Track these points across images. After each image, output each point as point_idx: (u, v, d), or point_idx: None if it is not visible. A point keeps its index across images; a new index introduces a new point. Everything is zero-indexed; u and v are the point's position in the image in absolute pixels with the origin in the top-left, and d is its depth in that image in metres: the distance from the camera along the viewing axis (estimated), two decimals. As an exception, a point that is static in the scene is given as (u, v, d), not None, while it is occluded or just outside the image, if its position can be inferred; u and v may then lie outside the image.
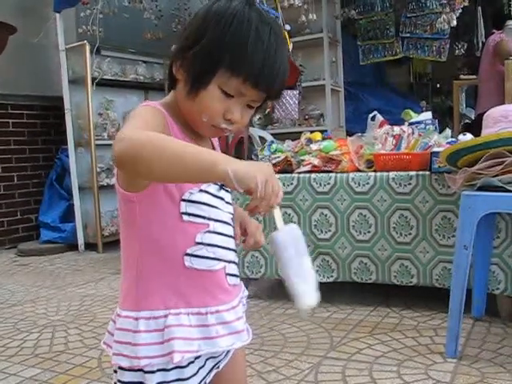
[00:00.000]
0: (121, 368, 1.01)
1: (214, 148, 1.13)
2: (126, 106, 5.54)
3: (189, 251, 1.00)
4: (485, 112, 2.62)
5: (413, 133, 2.97)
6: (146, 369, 0.99)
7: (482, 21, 6.13)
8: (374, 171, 2.85)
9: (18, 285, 3.83)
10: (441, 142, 2.84)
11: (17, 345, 2.63)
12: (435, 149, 2.71)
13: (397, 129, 3.00)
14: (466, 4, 4.78)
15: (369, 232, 2.84)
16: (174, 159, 0.84)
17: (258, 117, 5.34)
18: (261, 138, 4.45)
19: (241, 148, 4.32)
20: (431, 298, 2.90)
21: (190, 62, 0.99)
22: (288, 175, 3.01)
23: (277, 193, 0.86)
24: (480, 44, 6.08)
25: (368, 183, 2.81)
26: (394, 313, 2.82)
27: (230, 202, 1.09)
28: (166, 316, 0.99)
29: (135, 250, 1.02)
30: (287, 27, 4.26)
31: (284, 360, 2.28)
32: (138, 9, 5.43)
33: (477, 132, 2.64)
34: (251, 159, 3.53)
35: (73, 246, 5.04)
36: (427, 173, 2.69)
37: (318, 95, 5.45)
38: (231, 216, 1.09)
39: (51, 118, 5.65)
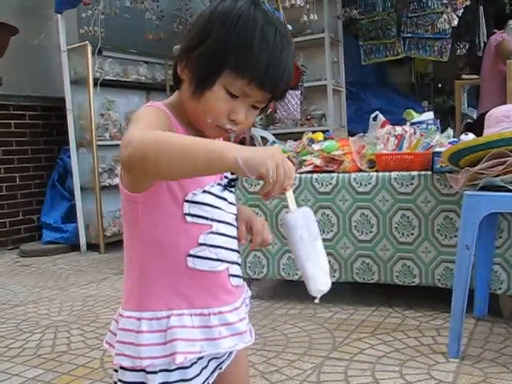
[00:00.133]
0: (122, 368, 1.01)
1: None
2: (128, 107, 5.55)
3: (192, 252, 1.00)
4: (487, 112, 2.62)
5: (415, 133, 2.97)
6: (148, 369, 0.98)
7: (483, 20, 6.13)
8: (376, 171, 2.85)
9: (21, 285, 3.84)
10: (443, 142, 2.84)
11: (19, 345, 2.63)
12: (437, 149, 2.71)
13: (399, 129, 3.00)
14: (468, 3, 4.77)
15: (371, 232, 2.84)
16: (182, 153, 0.83)
17: (259, 117, 5.34)
18: (263, 138, 4.45)
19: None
20: (433, 298, 2.90)
21: (195, 63, 0.99)
22: (290, 175, 3.00)
23: (289, 175, 0.85)
24: (482, 44, 6.07)
25: (370, 183, 2.81)
26: (396, 313, 2.82)
27: (234, 202, 1.09)
28: (168, 317, 0.98)
29: (138, 250, 1.02)
30: (289, 27, 4.26)
31: (286, 360, 2.28)
32: (139, 9, 5.43)
33: (479, 132, 2.63)
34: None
35: (75, 247, 5.05)
36: (429, 173, 2.69)
37: (320, 95, 5.45)
38: (234, 217, 1.09)
39: (53, 119, 5.66)
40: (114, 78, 5.36)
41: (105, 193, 5.06)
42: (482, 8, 6.07)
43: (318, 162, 2.98)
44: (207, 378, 1.06)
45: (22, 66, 5.32)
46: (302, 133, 3.39)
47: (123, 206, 1.03)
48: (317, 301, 0.95)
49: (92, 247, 5.05)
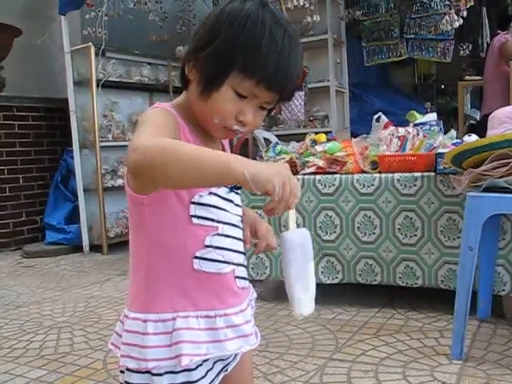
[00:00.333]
0: (128, 369, 1.01)
1: (224, 150, 1.13)
2: (131, 108, 5.56)
3: (198, 254, 1.00)
4: (490, 113, 2.62)
5: (418, 134, 2.96)
6: (153, 371, 0.98)
7: (486, 21, 6.12)
8: (379, 172, 2.85)
9: (24, 286, 3.84)
10: (446, 143, 2.83)
11: (23, 346, 2.64)
12: (440, 150, 2.71)
13: (402, 130, 3.00)
14: (472, 4, 4.77)
15: (374, 233, 2.84)
16: (190, 164, 0.83)
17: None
18: (265, 139, 4.46)
19: (246, 149, 4.33)
20: (436, 299, 2.90)
21: (203, 63, 0.98)
22: (293, 177, 3.00)
23: (294, 194, 0.86)
24: (485, 45, 6.07)
25: (373, 184, 2.81)
26: (399, 314, 2.82)
27: (239, 204, 1.09)
28: (174, 319, 0.98)
29: (144, 252, 1.02)
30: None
31: (289, 362, 2.28)
32: (142, 11, 5.44)
33: (482, 133, 2.63)
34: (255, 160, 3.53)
35: (78, 248, 5.05)
36: (432, 174, 2.69)
37: (323, 96, 5.45)
38: (240, 219, 1.09)
39: (56, 120, 5.67)
40: (117, 80, 5.36)
41: (108, 194, 5.06)
42: (485, 9, 6.07)
43: (320, 163, 2.98)
44: (212, 380, 1.05)
45: (26, 67, 5.34)
46: (305, 134, 3.38)
47: (129, 207, 1.03)
48: (297, 318, 0.97)
49: (95, 248, 5.05)
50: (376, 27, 5.84)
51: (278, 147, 3.27)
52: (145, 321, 0.99)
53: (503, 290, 2.57)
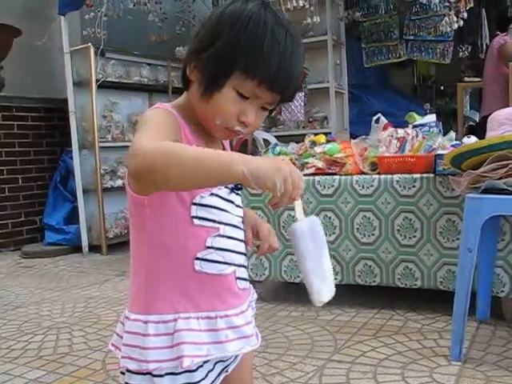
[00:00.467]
0: (129, 371, 1.01)
1: (224, 149, 1.13)
2: (130, 109, 5.56)
3: (199, 255, 0.99)
4: (489, 114, 2.62)
5: (417, 135, 2.96)
6: (154, 372, 0.98)
7: (486, 23, 6.12)
8: (378, 174, 2.85)
9: (23, 287, 3.84)
10: (445, 145, 2.84)
11: (21, 347, 2.64)
12: (439, 151, 2.71)
13: (401, 131, 3.00)
14: (472, 5, 4.77)
15: (373, 235, 2.84)
16: (190, 165, 0.83)
17: (262, 119, 5.34)
18: (265, 140, 4.46)
19: (245, 150, 4.32)
20: (435, 300, 2.90)
21: (205, 64, 0.98)
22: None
23: (297, 186, 0.85)
24: (484, 46, 6.07)
25: (372, 186, 2.81)
26: (398, 315, 2.82)
27: (240, 205, 1.09)
28: (175, 320, 0.98)
29: (145, 253, 1.02)
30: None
31: (288, 363, 2.28)
32: (142, 11, 5.43)
33: (481, 134, 2.63)
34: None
35: (77, 248, 5.05)
36: (431, 175, 2.69)
37: (322, 97, 5.45)
38: (241, 219, 1.08)
39: (56, 121, 5.67)
40: (117, 80, 5.36)
41: (107, 194, 5.06)
42: (484, 10, 6.07)
43: (320, 164, 2.98)
44: (213, 381, 1.05)
45: (25, 67, 5.34)
46: (304, 135, 3.39)
47: (130, 208, 1.03)
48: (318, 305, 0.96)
49: (94, 249, 5.05)
50: (375, 28, 5.85)
51: (278, 148, 3.27)
52: (145, 322, 0.99)
53: (502, 291, 2.57)
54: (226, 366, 1.09)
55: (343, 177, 2.90)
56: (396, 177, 2.77)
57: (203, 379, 1.02)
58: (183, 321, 0.98)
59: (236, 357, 1.10)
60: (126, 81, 5.47)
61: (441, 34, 5.41)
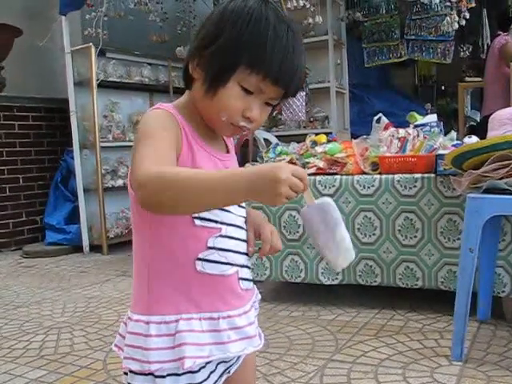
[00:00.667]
0: (131, 371, 1.01)
1: (227, 148, 1.12)
2: (131, 108, 5.56)
3: (200, 256, 0.99)
4: (490, 114, 2.63)
5: (418, 135, 2.96)
6: (156, 373, 0.98)
7: (487, 22, 6.12)
8: (379, 174, 2.85)
9: (24, 286, 3.84)
10: (446, 145, 2.83)
11: (22, 346, 2.64)
12: (440, 151, 2.71)
13: (402, 131, 3.00)
14: (473, 5, 4.77)
15: (374, 234, 2.84)
16: (197, 197, 0.86)
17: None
18: (266, 140, 4.45)
19: (246, 150, 4.33)
20: (436, 300, 2.90)
21: (208, 61, 0.99)
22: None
23: (303, 178, 0.86)
24: (485, 46, 6.07)
25: (373, 186, 2.81)
26: (399, 315, 2.81)
27: (243, 205, 1.08)
28: (177, 321, 0.98)
29: (147, 253, 1.02)
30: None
31: (289, 362, 2.28)
32: (143, 11, 5.43)
33: (482, 134, 2.64)
34: (256, 161, 3.53)
35: (78, 248, 5.05)
36: (432, 175, 2.69)
37: (323, 97, 5.45)
38: (244, 219, 1.08)
39: (56, 120, 5.67)
40: (118, 80, 5.36)
41: (108, 194, 5.06)
42: (485, 10, 6.07)
43: (321, 164, 2.98)
44: (215, 382, 1.05)
45: (26, 67, 5.34)
46: (305, 135, 3.39)
47: (132, 209, 1.03)
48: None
49: (95, 248, 5.05)
50: (376, 28, 5.86)
51: (279, 148, 3.27)
52: (147, 323, 0.99)
53: (503, 292, 2.57)
54: (229, 367, 1.08)
55: (344, 177, 2.90)
56: (397, 177, 2.76)
57: (205, 380, 1.02)
58: (185, 322, 0.98)
59: (238, 358, 1.10)
60: (126, 81, 5.48)
61: (442, 34, 5.42)
